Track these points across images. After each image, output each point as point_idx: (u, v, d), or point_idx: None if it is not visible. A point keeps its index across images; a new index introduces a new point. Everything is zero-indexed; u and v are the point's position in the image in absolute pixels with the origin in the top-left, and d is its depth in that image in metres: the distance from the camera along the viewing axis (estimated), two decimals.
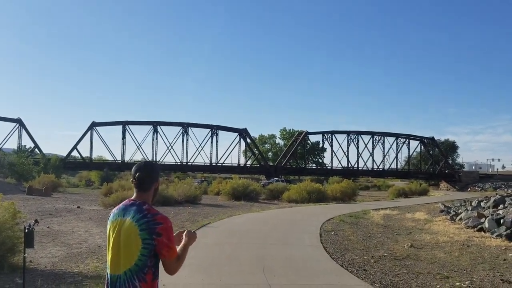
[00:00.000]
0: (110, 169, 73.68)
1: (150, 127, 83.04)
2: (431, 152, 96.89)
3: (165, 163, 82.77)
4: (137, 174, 3.13)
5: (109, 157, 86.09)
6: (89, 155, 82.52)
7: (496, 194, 41.64)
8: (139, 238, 2.92)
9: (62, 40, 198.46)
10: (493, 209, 22.61)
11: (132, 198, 3.16)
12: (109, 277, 3.02)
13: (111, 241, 3.05)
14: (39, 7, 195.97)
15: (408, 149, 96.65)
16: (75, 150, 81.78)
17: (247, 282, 8.58)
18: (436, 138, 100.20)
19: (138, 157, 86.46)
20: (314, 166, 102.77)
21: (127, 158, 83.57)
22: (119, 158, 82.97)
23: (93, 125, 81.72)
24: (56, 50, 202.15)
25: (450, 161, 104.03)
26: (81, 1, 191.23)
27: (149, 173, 3.15)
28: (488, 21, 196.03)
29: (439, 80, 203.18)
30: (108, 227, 3.15)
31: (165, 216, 3.04)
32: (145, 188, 3.14)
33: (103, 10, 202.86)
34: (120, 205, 3.18)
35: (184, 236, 3.31)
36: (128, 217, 3.02)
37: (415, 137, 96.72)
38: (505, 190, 69.78)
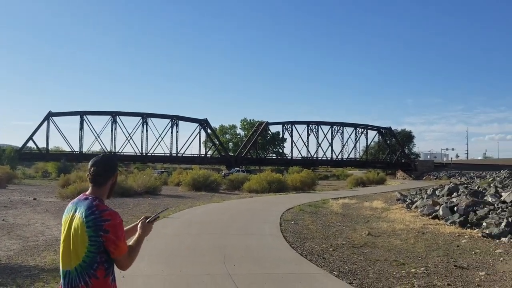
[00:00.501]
0: (67, 160, 71.94)
1: (109, 117, 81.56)
2: (388, 142, 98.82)
3: (124, 154, 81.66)
4: (92, 169, 3.07)
5: (66, 148, 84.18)
6: (45, 146, 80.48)
7: (450, 182, 42.84)
8: (86, 235, 2.87)
9: (17, 28, 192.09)
10: (447, 197, 23.24)
11: (87, 192, 3.09)
12: (61, 272, 3.01)
13: (63, 236, 3.02)
14: None
15: (366, 139, 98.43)
16: (31, 141, 79.60)
17: (208, 273, 8.57)
18: (393, 128, 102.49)
19: (97, 147, 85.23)
20: (274, 156, 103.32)
21: (85, 149, 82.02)
22: (76, 149, 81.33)
23: (50, 115, 79.56)
24: (8, 38, 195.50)
25: (406, 151, 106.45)
26: None
27: (105, 168, 3.08)
28: (446, 11, 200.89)
29: (397, 71, 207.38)
30: (62, 221, 3.11)
31: (114, 212, 2.96)
32: (100, 183, 3.08)
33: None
34: (75, 199, 3.12)
35: (138, 228, 3.26)
36: (78, 213, 2.97)
37: (373, 127, 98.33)
38: (459, 178, 71.88)
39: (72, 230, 2.95)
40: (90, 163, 3.12)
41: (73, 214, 3.00)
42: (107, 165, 3.10)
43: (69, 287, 2.90)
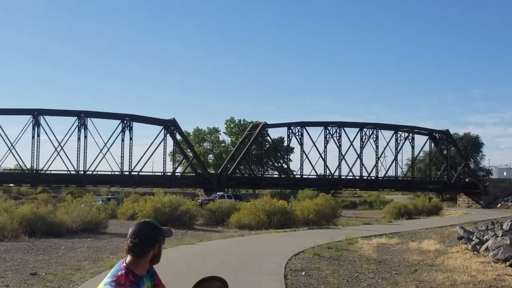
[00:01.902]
0: None
1: (29, 117, 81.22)
2: (445, 152, 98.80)
3: (53, 172, 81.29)
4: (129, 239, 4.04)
5: None
6: None
7: None
8: None
9: None
10: None
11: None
12: None
13: None
14: None
15: (413, 148, 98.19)
16: None
17: None
18: (452, 132, 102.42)
19: (11, 163, 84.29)
20: (276, 174, 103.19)
21: None
22: None
23: None
24: None
25: (472, 165, 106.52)
26: None
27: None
28: None
29: (458, 46, 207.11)
30: None
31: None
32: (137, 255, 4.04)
33: None
34: None
35: None
36: None
37: (422, 130, 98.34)
38: None
39: None
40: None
41: None
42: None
43: None
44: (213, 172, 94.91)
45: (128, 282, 3.84)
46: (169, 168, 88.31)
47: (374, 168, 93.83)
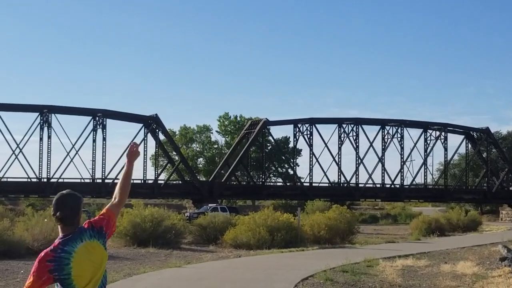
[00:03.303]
0: None
1: None
2: (484, 155, 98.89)
3: (9, 179, 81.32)
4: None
5: None
6: None
7: None
8: None
9: None
10: None
11: None
12: None
13: None
14: None
15: (445, 149, 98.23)
16: None
17: None
18: (493, 130, 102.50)
19: None
20: (280, 182, 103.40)
21: None
22: None
23: None
24: None
25: None
26: None
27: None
28: None
29: (497, 27, 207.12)
30: None
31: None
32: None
33: None
34: None
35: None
36: None
37: (457, 129, 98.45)
38: None
39: None
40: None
41: None
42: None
43: None
44: (204, 179, 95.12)
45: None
46: (151, 175, 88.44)
47: (399, 175, 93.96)
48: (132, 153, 6.49)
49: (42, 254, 5.49)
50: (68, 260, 5.47)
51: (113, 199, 6.40)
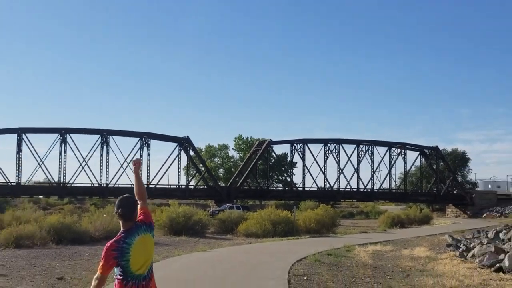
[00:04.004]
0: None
1: (56, 136, 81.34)
2: (434, 167, 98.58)
3: (78, 185, 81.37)
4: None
5: None
6: None
7: None
8: None
9: None
10: None
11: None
12: None
13: None
14: None
15: (405, 162, 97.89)
16: None
17: None
18: (441, 148, 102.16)
19: (40, 177, 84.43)
20: (280, 187, 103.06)
21: (24, 179, 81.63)
22: (13, 179, 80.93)
23: None
24: None
25: (459, 179, 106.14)
26: None
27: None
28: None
29: (449, 68, 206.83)
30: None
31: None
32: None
33: None
34: None
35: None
36: None
37: (414, 147, 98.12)
38: None
39: None
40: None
41: None
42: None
43: None
44: (223, 185, 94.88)
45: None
46: (183, 181, 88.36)
47: (370, 181, 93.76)
48: (135, 167, 7.33)
49: (108, 244, 5.88)
50: (128, 250, 5.87)
51: (139, 200, 6.80)
